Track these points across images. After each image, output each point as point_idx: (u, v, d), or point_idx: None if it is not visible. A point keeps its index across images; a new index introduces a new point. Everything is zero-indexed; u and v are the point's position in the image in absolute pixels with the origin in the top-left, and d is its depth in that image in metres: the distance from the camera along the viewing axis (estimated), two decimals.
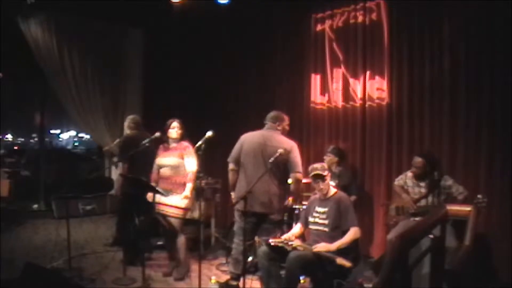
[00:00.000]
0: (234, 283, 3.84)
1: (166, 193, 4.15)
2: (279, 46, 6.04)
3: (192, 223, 4.49)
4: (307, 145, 5.66)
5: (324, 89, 5.49)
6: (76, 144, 31.12)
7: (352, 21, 5.15)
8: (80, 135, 30.94)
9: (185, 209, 4.12)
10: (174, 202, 4.11)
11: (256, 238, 3.84)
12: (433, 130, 4.44)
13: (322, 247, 3.28)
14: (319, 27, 5.55)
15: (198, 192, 4.47)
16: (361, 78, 5.04)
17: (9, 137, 27.77)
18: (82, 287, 3.82)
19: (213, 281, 3.98)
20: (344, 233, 3.39)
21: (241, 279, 3.59)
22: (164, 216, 4.18)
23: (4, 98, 11.72)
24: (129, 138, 4.64)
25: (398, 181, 4.31)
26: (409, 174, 4.21)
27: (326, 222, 3.45)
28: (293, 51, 5.84)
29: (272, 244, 3.37)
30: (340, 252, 3.27)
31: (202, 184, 4.87)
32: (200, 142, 3.80)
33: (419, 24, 4.54)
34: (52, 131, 29.02)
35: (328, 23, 5.43)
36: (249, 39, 6.29)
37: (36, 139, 21.81)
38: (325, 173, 3.50)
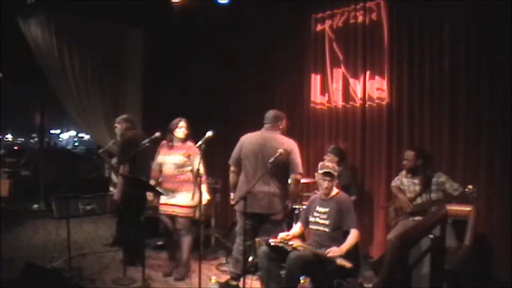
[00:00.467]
0: (234, 283, 3.84)
1: (167, 192, 4.15)
2: (279, 46, 6.04)
3: (192, 223, 4.49)
4: (307, 145, 5.66)
5: (324, 89, 5.49)
6: (76, 144, 31.11)
7: (352, 21, 5.15)
8: (80, 135, 30.93)
9: (194, 208, 4.12)
10: (182, 202, 4.11)
11: (256, 238, 3.84)
12: (433, 130, 4.44)
13: (335, 251, 3.22)
14: (319, 27, 5.55)
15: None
16: (361, 78, 5.04)
17: (9, 137, 27.76)
18: (82, 287, 3.82)
19: (213, 281, 3.98)
20: (344, 233, 3.39)
21: (241, 279, 3.60)
22: (172, 217, 4.18)
23: (4, 98, 11.72)
24: (131, 138, 4.64)
25: (395, 182, 4.33)
26: (403, 172, 4.23)
27: (326, 222, 3.44)
28: (293, 51, 5.85)
29: (272, 244, 3.36)
30: None
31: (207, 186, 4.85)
32: (200, 142, 3.80)
33: (419, 24, 4.54)
34: (52, 131, 28.99)
35: (328, 23, 5.43)
36: (249, 39, 6.29)
37: (36, 139, 21.80)
38: (335, 174, 3.51)
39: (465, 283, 3.48)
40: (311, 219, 3.56)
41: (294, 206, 4.60)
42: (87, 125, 7.07)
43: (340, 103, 5.30)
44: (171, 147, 4.24)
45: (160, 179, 4.27)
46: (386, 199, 4.69)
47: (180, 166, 4.17)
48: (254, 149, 3.79)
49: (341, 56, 5.28)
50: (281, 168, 3.71)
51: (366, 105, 5.02)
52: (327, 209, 3.47)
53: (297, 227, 3.74)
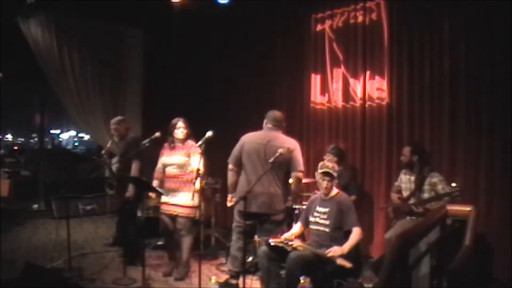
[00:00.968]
0: (233, 281, 3.84)
1: (168, 192, 4.15)
2: (279, 46, 6.04)
3: (192, 223, 4.49)
4: (307, 145, 5.66)
5: (324, 89, 5.49)
6: (76, 144, 31.12)
7: (352, 21, 5.15)
8: (80, 135, 30.94)
9: (195, 208, 4.12)
10: (183, 202, 4.12)
11: (256, 238, 3.83)
12: (433, 130, 4.44)
13: (335, 251, 3.22)
14: (319, 27, 5.55)
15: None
16: (361, 78, 5.04)
17: (9, 137, 27.76)
18: (82, 287, 3.82)
19: (213, 281, 3.98)
20: (346, 233, 3.39)
21: (240, 278, 3.63)
22: (172, 217, 4.18)
23: (4, 98, 11.71)
24: (137, 137, 4.72)
25: (397, 182, 4.33)
26: (403, 170, 4.24)
27: (327, 222, 3.44)
28: (293, 51, 5.84)
29: (272, 244, 3.36)
30: None
31: (202, 184, 4.86)
32: (200, 142, 3.80)
33: (419, 24, 4.54)
34: (52, 131, 28.99)
35: (328, 23, 5.43)
36: (249, 39, 6.29)
37: (36, 139, 21.80)
38: (335, 174, 3.51)
39: (465, 283, 3.47)
40: (311, 219, 3.56)
41: (294, 206, 4.60)
42: (87, 125, 7.07)
43: (340, 103, 5.30)
44: (172, 148, 4.26)
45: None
46: (385, 199, 4.69)
47: (182, 166, 4.17)
48: (257, 149, 3.77)
49: (341, 56, 5.28)
50: (282, 168, 3.70)
51: (366, 105, 5.02)
52: (327, 209, 3.47)
53: (297, 227, 3.74)
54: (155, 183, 4.23)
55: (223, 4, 5.57)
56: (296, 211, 4.52)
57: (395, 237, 3.52)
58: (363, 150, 5.06)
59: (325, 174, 3.47)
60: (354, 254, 3.33)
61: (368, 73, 4.98)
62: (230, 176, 3.96)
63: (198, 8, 5.98)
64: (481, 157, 4.05)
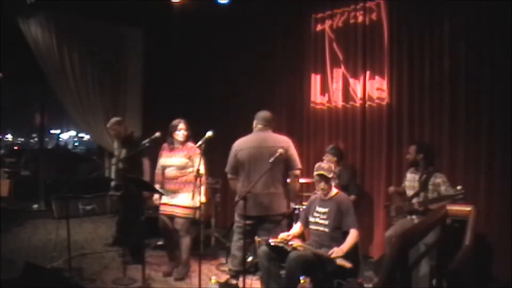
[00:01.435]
0: (233, 281, 3.82)
1: (168, 193, 4.15)
2: (279, 46, 6.04)
3: (192, 223, 4.49)
4: (307, 145, 5.66)
5: (324, 89, 5.49)
6: (76, 144, 31.10)
7: (352, 21, 5.15)
8: (80, 135, 30.92)
9: (194, 209, 4.12)
10: (182, 202, 4.11)
11: (256, 238, 3.83)
12: (433, 130, 4.44)
13: (337, 252, 3.23)
14: (319, 27, 5.55)
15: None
16: (361, 78, 5.03)
17: (9, 137, 27.74)
18: (82, 287, 3.82)
19: (213, 281, 3.98)
20: (344, 233, 3.39)
21: (240, 278, 3.63)
22: (172, 217, 4.18)
23: (4, 98, 11.72)
24: (140, 137, 4.75)
25: (404, 182, 4.33)
26: (410, 169, 4.24)
27: (326, 222, 3.44)
28: (293, 51, 5.84)
29: (272, 244, 3.36)
30: None
31: (206, 185, 4.86)
32: (200, 142, 3.80)
33: (419, 24, 4.54)
34: (52, 131, 28.99)
35: (328, 23, 5.43)
36: (249, 39, 6.29)
37: (36, 139, 21.79)
38: (330, 175, 3.49)
39: (465, 283, 3.47)
40: (311, 219, 3.56)
41: (294, 206, 4.60)
42: (87, 125, 7.08)
43: (340, 103, 5.30)
44: (172, 149, 4.25)
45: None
46: (386, 198, 4.69)
47: (182, 167, 4.17)
48: (251, 153, 3.71)
49: (341, 56, 5.28)
50: (279, 168, 3.65)
51: (366, 105, 5.02)
52: (326, 209, 3.47)
53: (297, 227, 3.74)
54: (157, 186, 4.23)
55: (223, 4, 5.57)
56: (296, 211, 4.52)
57: (395, 237, 3.53)
58: (363, 150, 5.06)
59: (320, 176, 3.48)
60: (353, 254, 3.33)
61: (368, 73, 4.98)
62: (233, 185, 3.91)
63: (198, 8, 5.98)
64: (481, 157, 4.05)
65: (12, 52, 6.72)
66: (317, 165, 3.56)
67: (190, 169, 4.17)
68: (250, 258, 4.22)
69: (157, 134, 4.20)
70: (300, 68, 5.76)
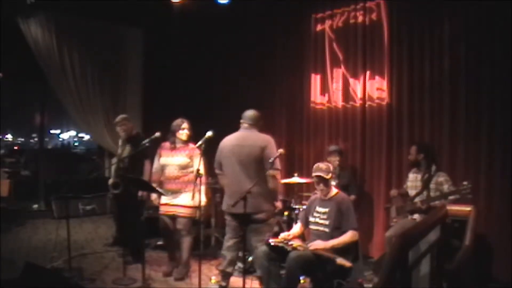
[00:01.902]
0: (222, 283, 3.79)
1: (168, 192, 4.15)
2: (279, 46, 6.04)
3: (192, 223, 4.49)
4: (307, 145, 5.66)
5: (324, 89, 5.49)
6: (76, 144, 31.09)
7: (352, 21, 5.16)
8: (80, 135, 30.91)
9: (195, 208, 4.11)
10: (183, 202, 4.11)
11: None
12: (433, 130, 4.44)
13: (317, 245, 3.30)
14: (319, 27, 5.55)
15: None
16: (361, 78, 5.04)
17: (9, 137, 27.73)
18: (82, 287, 3.82)
19: (213, 281, 3.98)
20: (344, 233, 3.39)
21: (231, 279, 3.79)
22: (172, 217, 4.18)
23: (4, 98, 11.72)
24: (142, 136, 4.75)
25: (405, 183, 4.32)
26: (412, 169, 4.24)
27: (326, 222, 3.44)
28: (293, 51, 5.85)
29: (272, 244, 3.37)
30: (340, 252, 3.27)
31: (206, 185, 4.85)
32: (200, 142, 3.79)
33: (419, 24, 4.54)
34: (52, 131, 29.00)
35: (328, 23, 5.43)
36: (249, 39, 6.29)
37: (36, 139, 21.79)
38: (328, 176, 3.47)
39: (465, 283, 3.48)
40: (311, 219, 3.56)
41: (294, 206, 4.60)
42: (87, 125, 7.07)
43: (340, 103, 5.30)
44: (173, 149, 4.24)
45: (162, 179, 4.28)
46: (386, 198, 4.69)
47: (184, 167, 4.17)
48: (232, 150, 3.73)
49: (341, 56, 5.29)
50: (260, 167, 3.61)
51: (366, 105, 5.02)
52: (326, 209, 3.47)
53: (297, 227, 3.74)
54: (154, 186, 4.21)
55: (223, 4, 5.57)
56: (296, 211, 4.52)
57: (395, 237, 3.53)
58: (363, 150, 5.07)
59: (318, 177, 3.48)
60: (353, 255, 3.34)
61: (368, 73, 4.99)
62: (220, 180, 3.99)
63: (198, 8, 5.98)
64: (481, 157, 4.05)
65: (12, 52, 6.72)
66: (315, 166, 3.55)
67: (191, 169, 4.16)
68: (250, 258, 4.21)
69: (157, 134, 4.19)
70: (300, 68, 5.77)
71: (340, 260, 3.19)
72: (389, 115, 4.80)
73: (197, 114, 5.94)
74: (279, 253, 3.36)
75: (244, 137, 3.76)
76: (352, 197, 4.43)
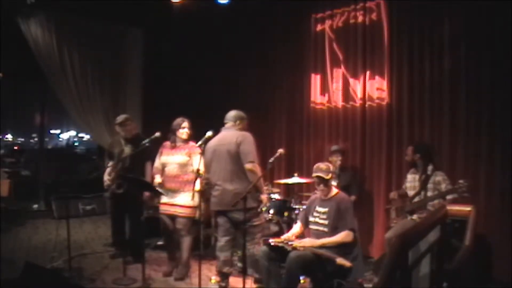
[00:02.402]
0: (222, 284, 3.83)
1: (168, 192, 4.15)
2: (279, 46, 6.05)
3: (192, 223, 4.49)
4: (307, 145, 5.66)
5: (324, 89, 5.49)
6: (76, 144, 31.09)
7: (352, 21, 5.16)
8: (80, 135, 30.91)
9: (194, 208, 4.12)
10: (183, 202, 4.12)
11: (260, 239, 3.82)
12: (433, 130, 4.44)
13: (306, 242, 3.33)
14: (319, 27, 5.55)
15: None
16: (361, 78, 5.04)
17: (9, 137, 27.74)
18: (82, 287, 3.82)
19: (213, 281, 3.98)
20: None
21: (229, 278, 3.82)
22: (172, 217, 4.18)
23: (4, 98, 11.71)
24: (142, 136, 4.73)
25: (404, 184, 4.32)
26: (410, 170, 4.25)
27: (326, 222, 3.44)
28: (293, 51, 5.85)
29: (272, 244, 3.37)
30: (340, 252, 3.27)
31: (202, 184, 4.85)
32: (200, 142, 3.80)
33: (419, 24, 4.54)
34: (52, 131, 29.00)
35: (328, 23, 5.43)
36: (249, 39, 6.29)
37: (36, 139, 21.79)
38: (328, 176, 3.47)
39: (465, 283, 3.48)
40: (311, 219, 3.56)
41: (294, 206, 4.60)
42: (87, 125, 7.07)
43: (340, 103, 5.30)
44: (173, 147, 4.24)
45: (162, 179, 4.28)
46: (386, 198, 4.69)
47: (183, 166, 4.17)
48: (214, 152, 3.81)
49: (341, 56, 5.29)
50: (240, 163, 3.65)
51: (366, 105, 5.02)
52: (326, 209, 3.47)
53: (297, 227, 3.74)
54: (157, 178, 4.23)
55: (223, 4, 5.57)
56: (296, 211, 4.52)
57: (395, 237, 3.52)
58: (363, 150, 5.07)
59: (318, 178, 3.48)
60: (353, 254, 3.34)
61: (368, 73, 4.99)
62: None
63: (198, 8, 5.99)
64: (481, 157, 4.05)
65: (12, 52, 6.72)
66: (315, 166, 3.56)
67: (191, 168, 4.16)
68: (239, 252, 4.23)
69: (157, 134, 4.19)
70: (300, 68, 5.77)
71: (340, 260, 3.19)
72: (389, 115, 4.80)
73: (197, 114, 5.95)
74: (279, 253, 3.36)
75: (224, 137, 3.82)
76: (353, 197, 4.43)
